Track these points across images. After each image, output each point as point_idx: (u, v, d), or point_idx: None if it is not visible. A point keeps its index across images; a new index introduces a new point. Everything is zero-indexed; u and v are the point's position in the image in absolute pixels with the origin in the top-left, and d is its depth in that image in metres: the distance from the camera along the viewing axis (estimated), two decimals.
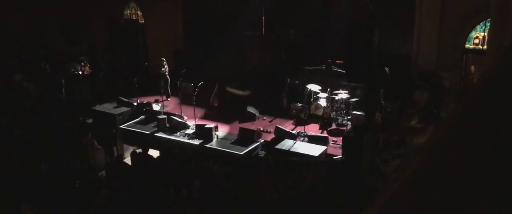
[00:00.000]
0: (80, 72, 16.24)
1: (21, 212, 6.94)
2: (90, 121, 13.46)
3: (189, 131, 12.09)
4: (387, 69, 12.60)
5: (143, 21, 18.03)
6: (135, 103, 13.75)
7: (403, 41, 13.63)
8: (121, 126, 12.75)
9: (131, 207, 7.23)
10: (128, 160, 11.12)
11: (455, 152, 1.43)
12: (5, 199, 7.53)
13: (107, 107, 13.54)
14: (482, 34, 12.61)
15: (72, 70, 16.17)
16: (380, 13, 13.29)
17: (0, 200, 7.54)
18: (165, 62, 14.93)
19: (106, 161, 11.40)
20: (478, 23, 12.59)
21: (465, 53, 12.94)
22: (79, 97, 14.92)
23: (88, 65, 16.51)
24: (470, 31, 12.75)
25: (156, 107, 13.87)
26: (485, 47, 12.22)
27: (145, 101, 14.01)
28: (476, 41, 12.79)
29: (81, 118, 13.56)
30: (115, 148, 12.32)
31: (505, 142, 1.35)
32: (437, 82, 12.62)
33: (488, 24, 11.70)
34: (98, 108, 13.59)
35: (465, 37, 12.80)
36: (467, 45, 12.89)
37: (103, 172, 10.57)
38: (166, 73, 14.89)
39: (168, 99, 14.91)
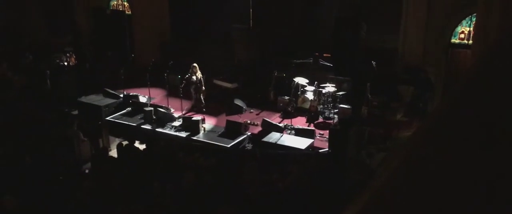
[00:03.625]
0: (66, 63, 16.05)
1: (4, 204, 6.85)
2: (75, 112, 13.32)
3: (176, 123, 12.05)
4: (373, 63, 12.66)
5: (130, 12, 17.85)
6: (121, 95, 13.65)
7: (390, 36, 13.72)
8: (107, 118, 12.65)
9: (115, 199, 7.18)
10: (114, 152, 11.04)
11: (440, 146, 1.44)
12: None
13: (93, 98, 13.42)
14: (467, 29, 12.74)
15: (58, 61, 15.98)
16: (367, 7, 13.35)
17: None
18: (197, 68, 12.95)
19: (91, 152, 11.31)
20: (464, 18, 12.71)
21: (450, 48, 13.07)
22: (65, 88, 14.73)
23: (74, 56, 16.31)
24: (456, 26, 12.88)
25: (142, 99, 13.79)
26: (470, 42, 12.36)
27: (131, 93, 13.91)
28: (462, 36, 12.92)
29: (66, 109, 13.42)
30: (100, 140, 12.23)
31: (491, 137, 1.36)
32: (423, 77, 12.74)
33: (474, 19, 11.82)
34: (84, 99, 13.46)
35: (451, 32, 12.92)
36: (452, 40, 13.01)
37: (89, 164, 10.49)
38: (198, 82, 12.99)
39: (204, 109, 12.99)
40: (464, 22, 12.79)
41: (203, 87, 13.07)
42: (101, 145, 11.84)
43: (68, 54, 16.22)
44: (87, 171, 9.83)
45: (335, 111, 12.49)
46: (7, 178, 8.06)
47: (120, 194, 7.39)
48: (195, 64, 12.96)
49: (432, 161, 1.41)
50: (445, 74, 13.10)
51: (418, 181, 1.37)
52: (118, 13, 17.86)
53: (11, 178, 8.11)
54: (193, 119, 11.84)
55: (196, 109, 13.10)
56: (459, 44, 12.97)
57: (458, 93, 1.71)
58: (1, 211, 6.79)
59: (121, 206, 6.84)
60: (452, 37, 12.98)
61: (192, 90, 13.09)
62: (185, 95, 12.94)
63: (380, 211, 1.41)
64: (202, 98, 13.14)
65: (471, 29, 12.40)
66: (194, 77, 12.91)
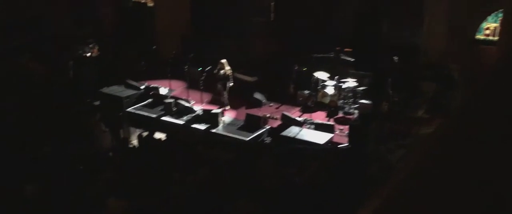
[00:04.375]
0: (88, 55, 16.25)
1: (26, 193, 7.01)
2: (97, 103, 13.51)
3: (196, 116, 12.11)
4: (395, 58, 12.50)
5: (151, 5, 17.96)
6: (142, 87, 13.79)
7: (412, 30, 13.49)
8: (128, 109, 12.80)
9: (135, 189, 7.28)
10: (134, 143, 11.17)
11: (462, 143, 1.41)
12: (9, 181, 7.61)
13: (115, 90, 13.59)
14: (493, 25, 12.45)
15: (80, 52, 16.20)
16: (390, 1, 13.16)
17: (4, 181, 7.61)
18: (225, 64, 12.69)
19: (112, 143, 11.46)
20: (490, 14, 12.43)
21: (475, 44, 12.80)
22: (87, 79, 14.94)
23: (96, 48, 16.51)
24: (481, 22, 12.60)
25: (163, 91, 13.90)
26: (496, 38, 12.09)
27: (152, 85, 14.03)
28: (487, 32, 12.64)
29: (88, 100, 13.61)
30: (121, 131, 12.39)
31: None
32: (446, 73, 12.53)
33: (500, 15, 11.56)
34: (106, 90, 13.63)
35: (476, 28, 12.65)
36: (477, 36, 12.74)
37: (109, 155, 10.63)
38: (228, 77, 12.67)
39: (227, 108, 12.78)
40: (489, 18, 12.50)
41: (231, 83, 12.83)
42: (121, 136, 11.99)
43: (90, 46, 16.42)
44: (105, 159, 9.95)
45: (355, 106, 12.39)
46: (29, 166, 8.23)
47: (139, 185, 7.48)
48: (223, 61, 12.69)
49: (453, 157, 1.38)
50: (468, 71, 12.84)
51: (438, 178, 1.34)
52: (140, 5, 18.03)
53: (32, 166, 8.27)
54: (212, 111, 11.89)
55: (221, 103, 12.98)
56: (484, 40, 12.70)
57: (482, 90, 1.66)
58: (22, 198, 6.95)
59: (140, 197, 6.93)
60: (477, 33, 12.71)
61: (220, 86, 12.86)
62: (205, 88, 12.98)
63: (399, 208, 1.38)
64: (227, 96, 12.90)
65: (497, 25, 12.12)
66: (222, 71, 12.66)
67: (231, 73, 12.82)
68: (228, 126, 11.65)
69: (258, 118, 11.67)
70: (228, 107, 12.89)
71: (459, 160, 1.37)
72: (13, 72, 14.48)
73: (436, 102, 12.39)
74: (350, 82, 12.69)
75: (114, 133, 11.87)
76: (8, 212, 6.45)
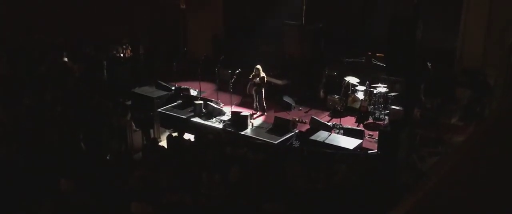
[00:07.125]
0: (122, 55, 16.58)
1: (60, 186, 7.19)
2: (129, 102, 13.76)
3: (225, 118, 12.19)
4: (429, 64, 12.26)
5: (184, 6, 18.18)
6: (173, 88, 13.97)
7: (447, 36, 13.21)
8: (159, 109, 12.99)
9: (164, 188, 7.37)
10: (164, 143, 11.32)
11: (496, 152, 1.37)
12: (45, 174, 7.83)
13: (146, 90, 13.82)
14: None
15: (114, 52, 16.54)
16: (425, 5, 12.89)
17: (40, 174, 7.84)
18: (261, 70, 12.59)
19: (143, 142, 11.65)
20: None
21: None
22: (120, 79, 15.25)
23: (130, 48, 16.83)
24: None
25: (193, 92, 14.05)
26: None
27: (182, 86, 14.19)
28: None
29: (121, 99, 13.89)
30: (152, 131, 12.57)
31: None
32: (481, 80, 12.20)
33: None
34: (138, 90, 13.88)
35: None
36: None
37: (140, 154, 10.81)
38: (262, 84, 12.66)
39: (265, 113, 12.86)
40: None
41: (263, 89, 12.72)
42: (152, 136, 12.16)
43: (124, 46, 16.75)
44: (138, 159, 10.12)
45: (386, 112, 12.21)
46: (64, 162, 8.45)
47: (169, 183, 7.57)
48: (258, 67, 12.62)
49: (488, 164, 1.34)
50: (506, 78, 12.45)
51: (471, 184, 1.31)
52: (173, 7, 18.25)
53: (68, 161, 8.49)
54: (241, 113, 11.93)
55: (255, 109, 12.97)
56: None
57: None
58: (57, 192, 7.13)
59: (170, 194, 7.01)
60: None
61: (253, 92, 12.89)
62: (235, 91, 13.05)
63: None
64: (264, 102, 12.86)
65: None
66: (257, 79, 12.62)
67: (266, 79, 12.77)
68: (256, 128, 11.67)
69: (287, 121, 11.65)
70: (262, 112, 12.88)
71: (495, 166, 1.34)
72: (51, 71, 14.90)
73: (471, 110, 12.08)
74: (381, 88, 12.52)
75: (144, 132, 12.06)
76: (43, 206, 6.63)
